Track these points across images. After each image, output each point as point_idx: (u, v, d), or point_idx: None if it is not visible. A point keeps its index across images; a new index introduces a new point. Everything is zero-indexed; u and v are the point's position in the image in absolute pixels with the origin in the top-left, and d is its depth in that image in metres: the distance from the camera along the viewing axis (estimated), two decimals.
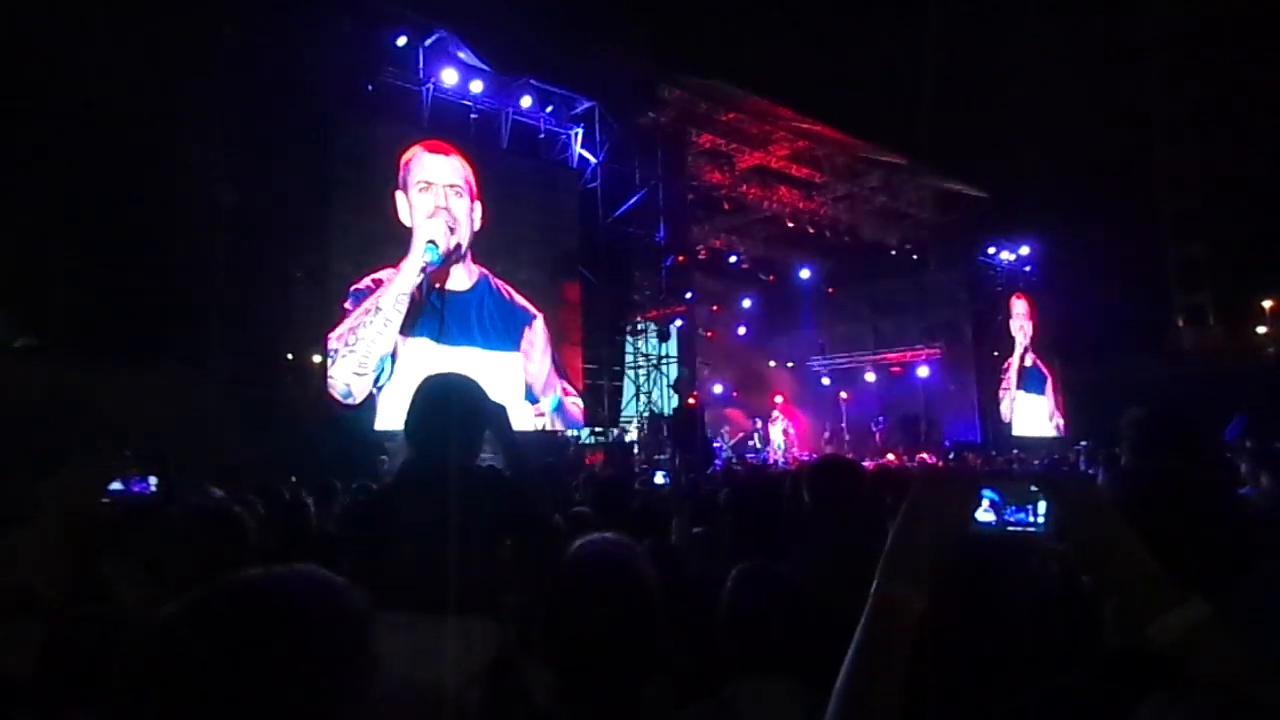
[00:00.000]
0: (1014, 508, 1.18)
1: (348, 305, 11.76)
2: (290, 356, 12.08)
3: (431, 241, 12.36)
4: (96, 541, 1.60)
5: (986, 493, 1.19)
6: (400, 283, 12.19)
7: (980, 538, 1.18)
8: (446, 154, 13.12)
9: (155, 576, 1.78)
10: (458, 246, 12.83)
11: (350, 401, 11.54)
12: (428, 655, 1.65)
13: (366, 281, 11.99)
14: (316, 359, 11.72)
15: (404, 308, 12.11)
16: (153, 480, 1.53)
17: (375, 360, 11.76)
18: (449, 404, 2.20)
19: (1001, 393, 21.42)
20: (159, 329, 10.11)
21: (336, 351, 11.56)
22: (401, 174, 12.59)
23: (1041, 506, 1.17)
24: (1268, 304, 23.65)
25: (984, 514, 1.18)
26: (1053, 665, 1.09)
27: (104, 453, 1.53)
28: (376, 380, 11.77)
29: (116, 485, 1.51)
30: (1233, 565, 1.22)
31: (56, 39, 9.83)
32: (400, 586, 1.70)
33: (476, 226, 13.21)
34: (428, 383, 2.28)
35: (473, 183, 13.27)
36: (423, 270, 12.27)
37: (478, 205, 13.26)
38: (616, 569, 1.60)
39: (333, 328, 11.60)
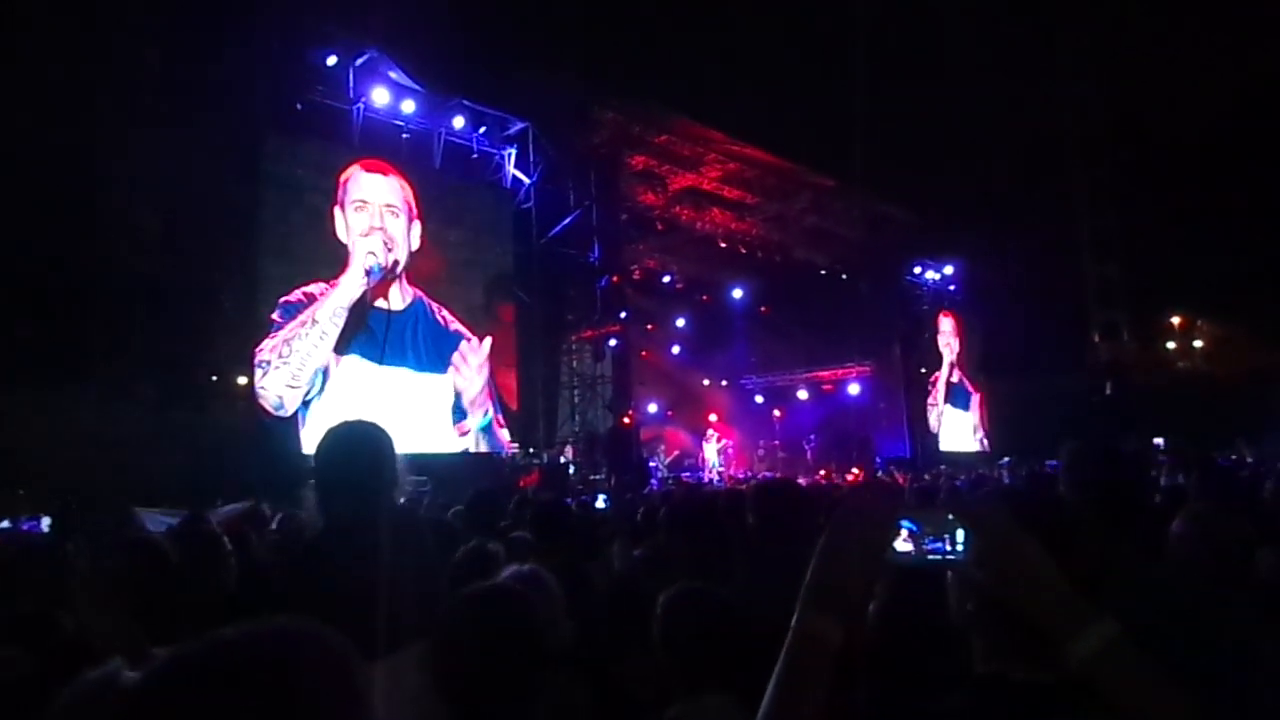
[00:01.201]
0: (932, 538, 1.21)
1: (276, 317, 11.55)
2: (215, 378, 11.80)
3: (371, 253, 12.25)
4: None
5: (905, 523, 1.22)
6: (338, 296, 12.03)
7: (899, 568, 1.21)
8: (385, 174, 13.01)
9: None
10: (395, 264, 12.70)
11: (282, 413, 11.34)
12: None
13: (298, 294, 11.80)
14: (242, 380, 11.46)
15: (341, 321, 11.95)
16: (45, 520, 1.48)
17: (309, 373, 11.57)
18: (362, 455, 2.19)
19: (929, 408, 21.90)
20: (79, 354, 9.81)
21: (269, 363, 11.34)
22: (339, 192, 12.47)
23: (959, 535, 1.20)
24: (1176, 320, 24.67)
25: (903, 544, 1.21)
26: (968, 693, 1.13)
27: None
28: (306, 394, 11.57)
29: (4, 524, 1.46)
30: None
31: None
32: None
33: (415, 246, 13.08)
34: (338, 433, 2.25)
35: (412, 203, 13.17)
36: (364, 283, 12.14)
37: (417, 225, 13.14)
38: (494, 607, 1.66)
39: (259, 343, 11.39)
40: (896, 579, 1.20)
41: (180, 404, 10.50)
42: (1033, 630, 1.14)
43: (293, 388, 11.43)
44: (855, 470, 18.55)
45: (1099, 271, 25.18)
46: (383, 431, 2.26)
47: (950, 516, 1.23)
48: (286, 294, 11.73)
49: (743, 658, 1.11)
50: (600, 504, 6.06)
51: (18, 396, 8.76)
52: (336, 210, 12.39)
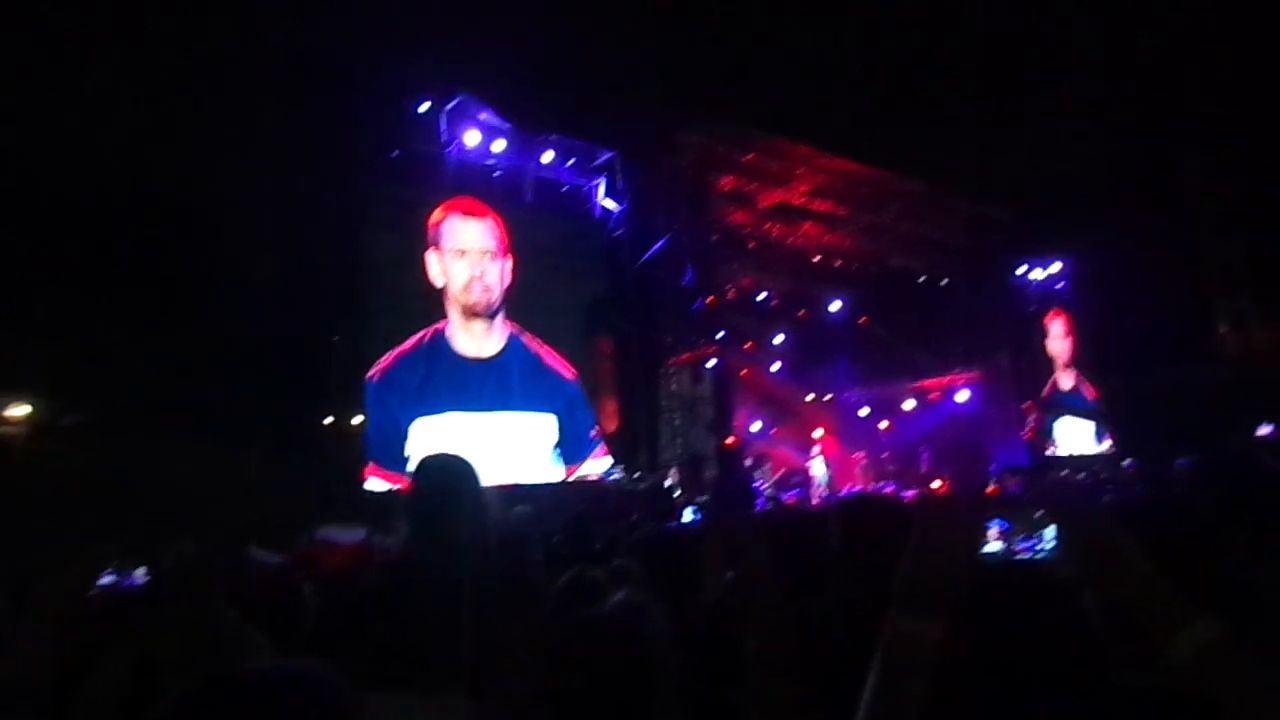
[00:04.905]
0: (1022, 536, 1.20)
1: (371, 376, 11.96)
2: (329, 420, 12.28)
3: None
4: (86, 634, 1.63)
5: (996, 521, 1.21)
6: None
7: (989, 567, 1.19)
8: (479, 217, 13.30)
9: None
10: (489, 304, 13.06)
11: None
12: None
13: (376, 372, 12.20)
14: (355, 420, 11.92)
15: None
16: (139, 572, 1.55)
17: None
18: (451, 485, 2.25)
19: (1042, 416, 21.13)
20: (202, 400, 10.36)
21: None
22: (430, 234, 12.84)
23: (1049, 532, 1.18)
24: None
25: (993, 542, 1.20)
26: (1069, 699, 1.10)
27: (93, 545, 1.56)
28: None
29: (109, 578, 1.53)
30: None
31: (93, 112, 10.23)
32: (402, 667, 1.74)
33: (508, 282, 13.38)
34: (428, 464, 2.34)
35: (506, 240, 13.48)
36: None
37: (509, 260, 13.44)
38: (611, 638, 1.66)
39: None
40: (986, 579, 1.17)
41: (295, 446, 10.97)
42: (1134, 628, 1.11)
43: None
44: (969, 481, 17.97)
45: (1222, 256, 23.84)
46: (458, 461, 2.32)
47: (1040, 514, 1.21)
48: (380, 361, 12.13)
49: (832, 677, 1.11)
50: (688, 517, 6.03)
51: (137, 443, 9.28)
52: (430, 254, 12.78)
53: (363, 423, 11.86)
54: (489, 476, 2.38)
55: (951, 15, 18.01)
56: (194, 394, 10.32)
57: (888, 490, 16.61)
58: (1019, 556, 1.06)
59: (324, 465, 11.36)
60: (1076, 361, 22.29)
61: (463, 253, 12.93)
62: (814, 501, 15.95)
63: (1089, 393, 22.52)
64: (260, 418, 10.96)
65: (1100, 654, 1.11)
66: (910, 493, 13.51)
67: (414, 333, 12.55)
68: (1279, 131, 21.17)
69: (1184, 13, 20.69)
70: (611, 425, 14.60)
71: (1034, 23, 20.13)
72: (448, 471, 2.28)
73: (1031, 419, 21.04)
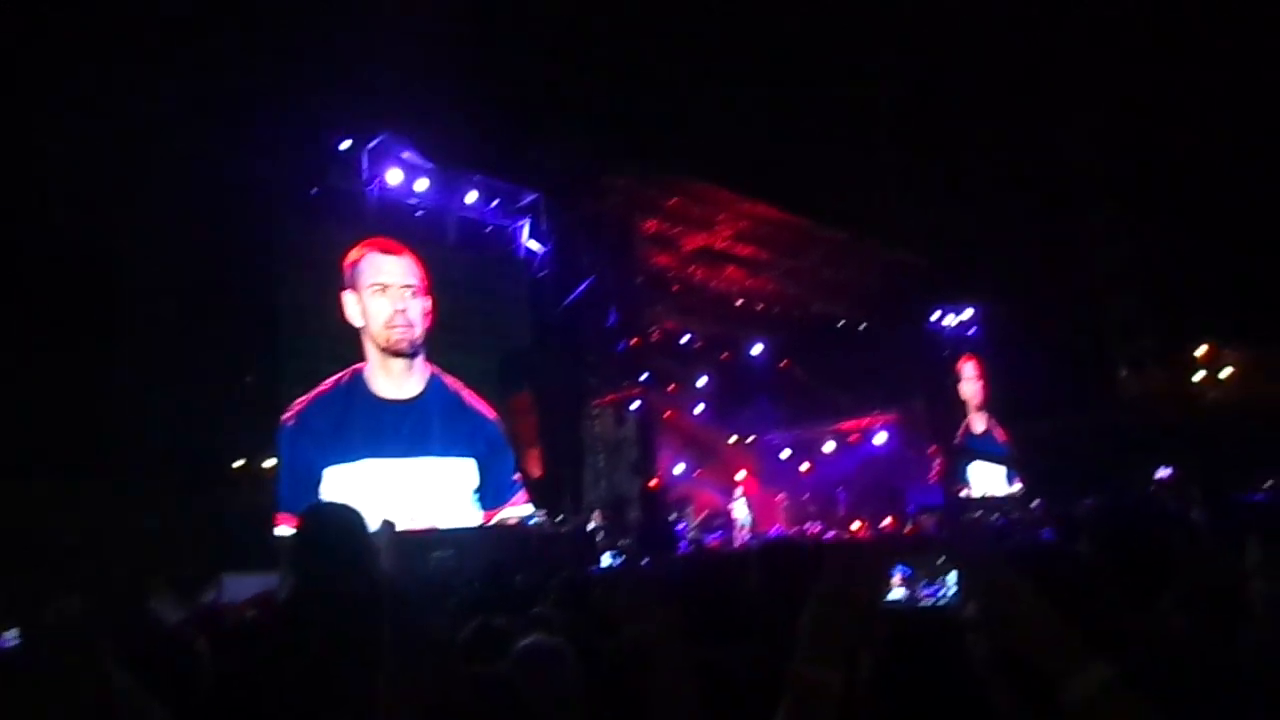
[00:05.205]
0: (925, 582, 1.21)
1: (285, 420, 11.61)
2: (241, 463, 11.90)
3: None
4: None
5: (899, 568, 1.22)
6: None
7: (895, 615, 1.20)
8: (398, 254, 12.98)
9: None
10: (411, 342, 12.76)
11: None
12: None
13: (290, 416, 11.72)
14: (268, 464, 11.55)
15: None
16: (10, 634, 1.47)
17: None
18: (334, 535, 2.20)
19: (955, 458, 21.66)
20: (105, 442, 9.94)
21: None
22: (348, 274, 12.46)
23: (950, 578, 1.20)
24: (1202, 350, 24.26)
25: (896, 590, 1.21)
26: None
27: None
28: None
29: None
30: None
31: None
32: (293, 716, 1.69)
33: (428, 322, 13.13)
34: (313, 513, 2.29)
35: (426, 280, 13.20)
36: None
37: (429, 300, 13.18)
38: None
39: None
40: (893, 627, 1.19)
41: (204, 491, 10.58)
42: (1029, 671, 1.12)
43: None
44: (888, 521, 18.29)
45: (1122, 304, 24.94)
46: (344, 510, 2.26)
47: (942, 560, 1.22)
48: (295, 403, 11.69)
49: None
50: (606, 560, 6.00)
51: (33, 488, 8.84)
52: (346, 294, 12.38)
53: (275, 467, 11.47)
54: (406, 522, 2.34)
55: (871, 71, 18.67)
56: (97, 436, 9.90)
57: (812, 531, 16.82)
58: (922, 603, 1.07)
59: (234, 511, 10.94)
60: (988, 405, 22.97)
61: (384, 288, 12.56)
62: (736, 544, 15.99)
63: (1000, 435, 23.19)
64: (167, 461, 10.56)
65: (991, 702, 1.13)
66: (831, 534, 13.69)
67: (331, 374, 12.18)
68: (1173, 189, 22.40)
69: (1089, 82, 21.85)
70: (535, 471, 14.39)
71: (950, 85, 21.02)
72: (332, 521, 2.23)
73: (937, 463, 21.56)
